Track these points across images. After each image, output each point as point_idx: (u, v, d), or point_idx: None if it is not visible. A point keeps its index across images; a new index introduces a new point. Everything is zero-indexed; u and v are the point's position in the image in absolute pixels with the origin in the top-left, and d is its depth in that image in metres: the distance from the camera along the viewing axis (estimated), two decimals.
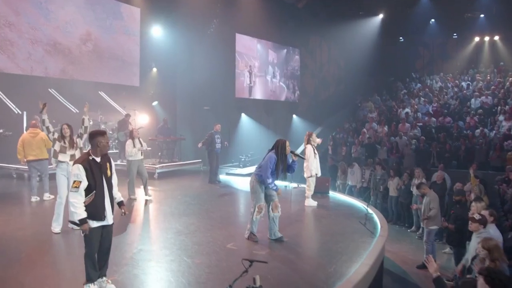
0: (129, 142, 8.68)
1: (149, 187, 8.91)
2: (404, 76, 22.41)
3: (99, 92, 13.16)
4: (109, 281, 4.32)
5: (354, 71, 21.19)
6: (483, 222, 5.45)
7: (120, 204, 4.47)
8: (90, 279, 4.18)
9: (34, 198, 8.21)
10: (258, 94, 17.13)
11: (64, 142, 6.66)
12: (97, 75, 12.98)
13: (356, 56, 21.05)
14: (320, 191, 9.17)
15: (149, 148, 11.57)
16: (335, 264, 5.09)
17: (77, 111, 11.91)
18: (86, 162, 4.12)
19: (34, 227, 6.53)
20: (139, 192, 8.95)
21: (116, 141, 12.33)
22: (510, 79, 19.74)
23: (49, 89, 11.82)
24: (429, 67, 23.69)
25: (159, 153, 12.44)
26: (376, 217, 7.28)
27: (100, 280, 4.25)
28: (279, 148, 5.88)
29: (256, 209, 5.87)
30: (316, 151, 8.44)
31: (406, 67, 22.84)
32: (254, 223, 5.90)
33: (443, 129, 15.56)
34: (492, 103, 17.28)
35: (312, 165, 8.34)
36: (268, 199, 5.90)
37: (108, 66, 13.24)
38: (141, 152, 8.74)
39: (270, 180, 5.78)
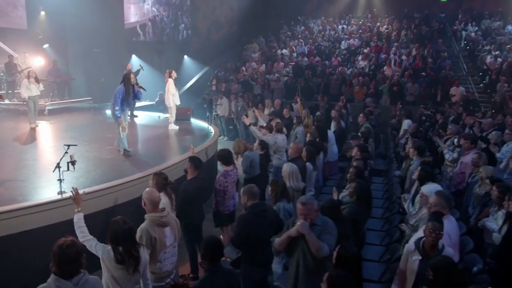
0: (24, 81, 10.16)
1: (42, 121, 10.61)
2: (293, 19, 24.66)
3: None
4: None
5: (247, 14, 22.89)
6: (267, 128, 7.92)
7: None
8: None
9: None
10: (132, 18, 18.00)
11: None
12: None
13: None
14: (182, 119, 11.34)
15: (43, 89, 12.70)
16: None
17: None
18: None
19: None
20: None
21: (5, 83, 13.36)
22: (378, 23, 22.85)
23: None
24: (317, 11, 26.10)
25: (51, 93, 13.73)
26: (213, 132, 9.69)
27: None
28: (125, 80, 7.65)
29: (120, 128, 7.69)
30: (175, 85, 10.41)
31: (297, 10, 24.96)
32: (123, 140, 7.74)
33: (311, 68, 18.15)
34: (358, 45, 20.19)
35: (173, 97, 10.37)
36: None
37: None
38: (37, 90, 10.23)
39: (117, 108, 7.50)
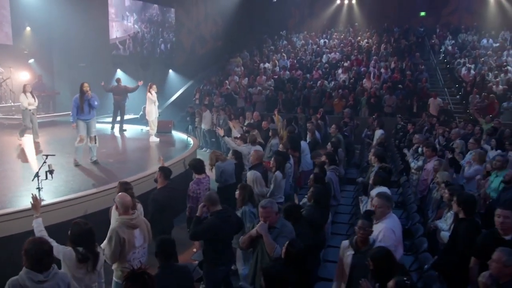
0: (21, 95, 10.35)
1: (27, 134, 10.75)
2: (277, 34, 25.23)
3: None
4: None
5: (231, 28, 23.39)
6: (241, 139, 8.27)
7: None
8: None
9: None
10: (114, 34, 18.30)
11: None
12: None
13: (233, 13, 23.30)
14: (164, 131, 11.68)
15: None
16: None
17: None
18: None
19: None
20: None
21: None
22: (359, 38, 23.48)
23: None
24: (299, 25, 26.68)
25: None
26: (192, 144, 10.04)
27: None
28: (80, 89, 8.10)
29: (78, 138, 8.11)
30: (155, 98, 10.77)
31: (280, 25, 25.54)
32: (77, 150, 8.16)
33: (293, 81, 18.60)
34: (339, 59, 20.71)
35: (152, 110, 10.72)
36: (88, 133, 8.19)
37: None
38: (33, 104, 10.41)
39: (72, 115, 8.02)
